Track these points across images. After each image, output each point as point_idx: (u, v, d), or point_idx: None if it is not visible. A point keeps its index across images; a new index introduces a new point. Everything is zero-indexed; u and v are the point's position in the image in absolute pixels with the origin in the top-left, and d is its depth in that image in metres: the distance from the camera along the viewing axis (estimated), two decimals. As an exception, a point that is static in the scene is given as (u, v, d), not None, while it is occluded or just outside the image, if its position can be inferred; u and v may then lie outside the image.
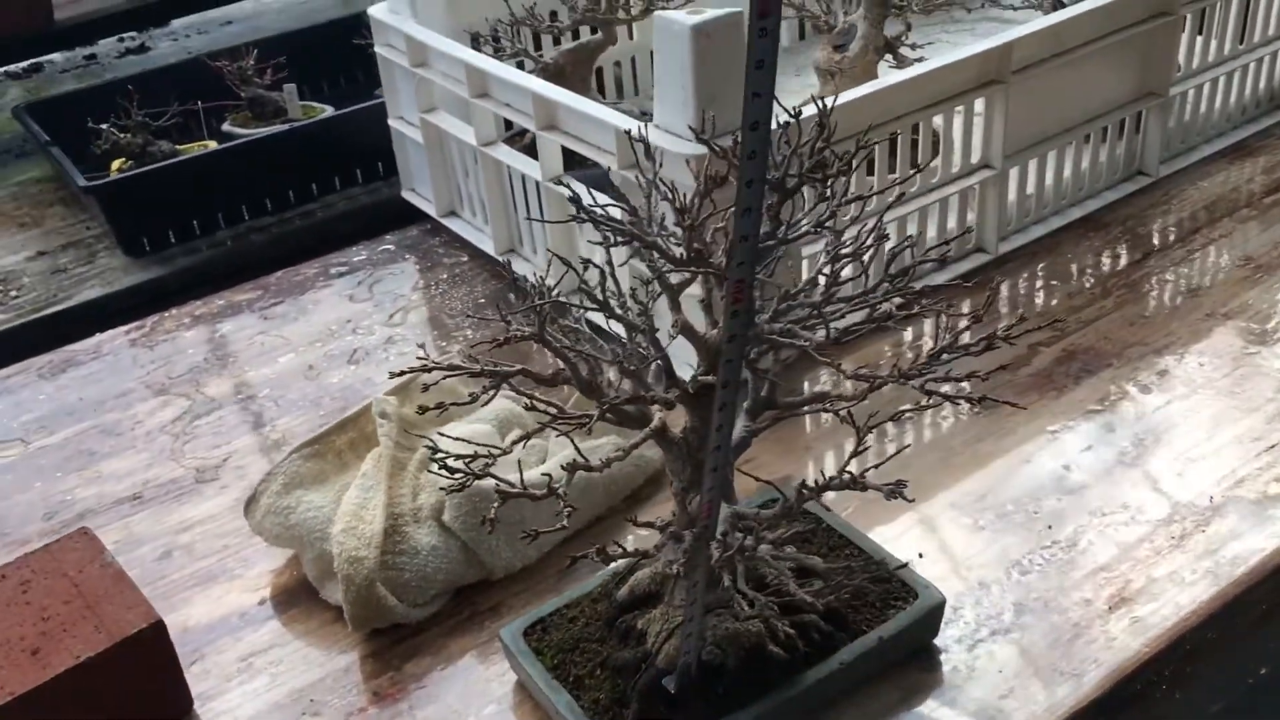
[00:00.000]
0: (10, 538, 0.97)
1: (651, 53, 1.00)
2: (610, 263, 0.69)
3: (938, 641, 0.80)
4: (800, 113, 0.66)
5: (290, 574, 0.91)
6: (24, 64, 2.02)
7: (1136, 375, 1.03)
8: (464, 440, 0.77)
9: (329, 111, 1.61)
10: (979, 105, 1.14)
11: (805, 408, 0.71)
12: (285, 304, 1.26)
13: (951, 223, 1.17)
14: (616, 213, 0.68)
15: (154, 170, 1.45)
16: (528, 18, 1.28)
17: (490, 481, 0.66)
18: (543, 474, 0.84)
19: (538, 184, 1.16)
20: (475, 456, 0.66)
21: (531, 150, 1.16)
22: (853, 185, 1.08)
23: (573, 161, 1.13)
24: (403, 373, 0.69)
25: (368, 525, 0.85)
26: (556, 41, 1.36)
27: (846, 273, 0.70)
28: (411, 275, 1.29)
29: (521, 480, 0.65)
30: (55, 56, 2.05)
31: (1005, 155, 1.17)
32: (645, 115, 1.02)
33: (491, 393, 0.67)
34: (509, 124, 1.24)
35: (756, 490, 0.82)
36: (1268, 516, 0.88)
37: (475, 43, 1.29)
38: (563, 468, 0.65)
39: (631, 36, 1.43)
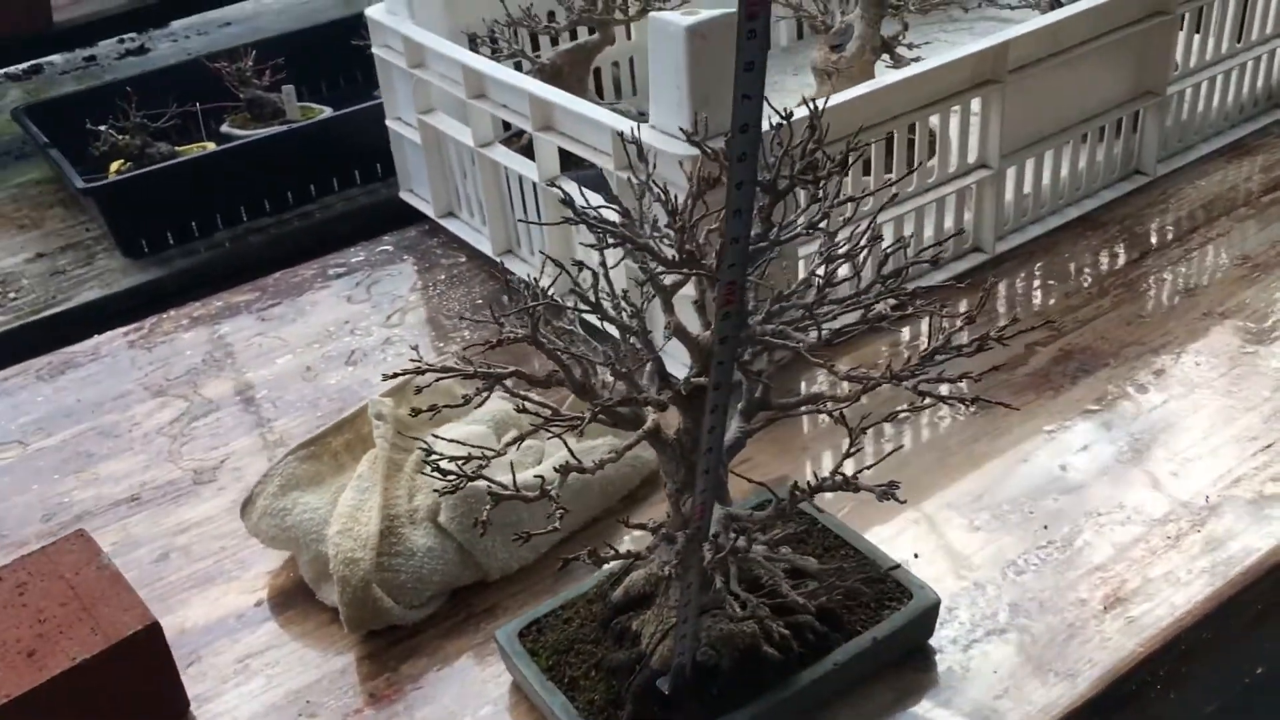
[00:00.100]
0: (8, 540, 0.98)
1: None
2: (604, 264, 0.69)
3: (933, 642, 0.80)
4: (792, 114, 0.66)
5: (287, 576, 0.91)
6: (24, 65, 2.02)
7: (1133, 375, 1.03)
8: (459, 442, 0.78)
9: (327, 113, 1.61)
10: (975, 105, 1.14)
11: (799, 409, 0.71)
12: (283, 305, 1.26)
13: (949, 223, 1.17)
14: (610, 214, 0.68)
15: (152, 172, 1.45)
16: (525, 18, 1.28)
17: (484, 483, 0.66)
18: (535, 476, 0.84)
19: (535, 185, 1.16)
20: (469, 458, 0.66)
21: (529, 151, 1.16)
22: (849, 186, 1.09)
23: (570, 162, 1.13)
24: (396, 375, 0.69)
25: (364, 527, 0.85)
26: (554, 42, 1.36)
27: (842, 273, 0.70)
28: (409, 276, 1.30)
29: (514, 482, 0.65)
30: (55, 58, 2.06)
31: (1002, 155, 1.17)
32: (643, 116, 1.02)
33: (484, 395, 0.67)
34: (507, 125, 1.24)
35: (752, 491, 0.82)
36: (1264, 516, 0.88)
37: (473, 44, 1.29)
38: (556, 469, 0.65)
39: (630, 37, 1.43)
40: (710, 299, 0.67)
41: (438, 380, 0.67)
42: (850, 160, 0.68)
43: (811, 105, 0.67)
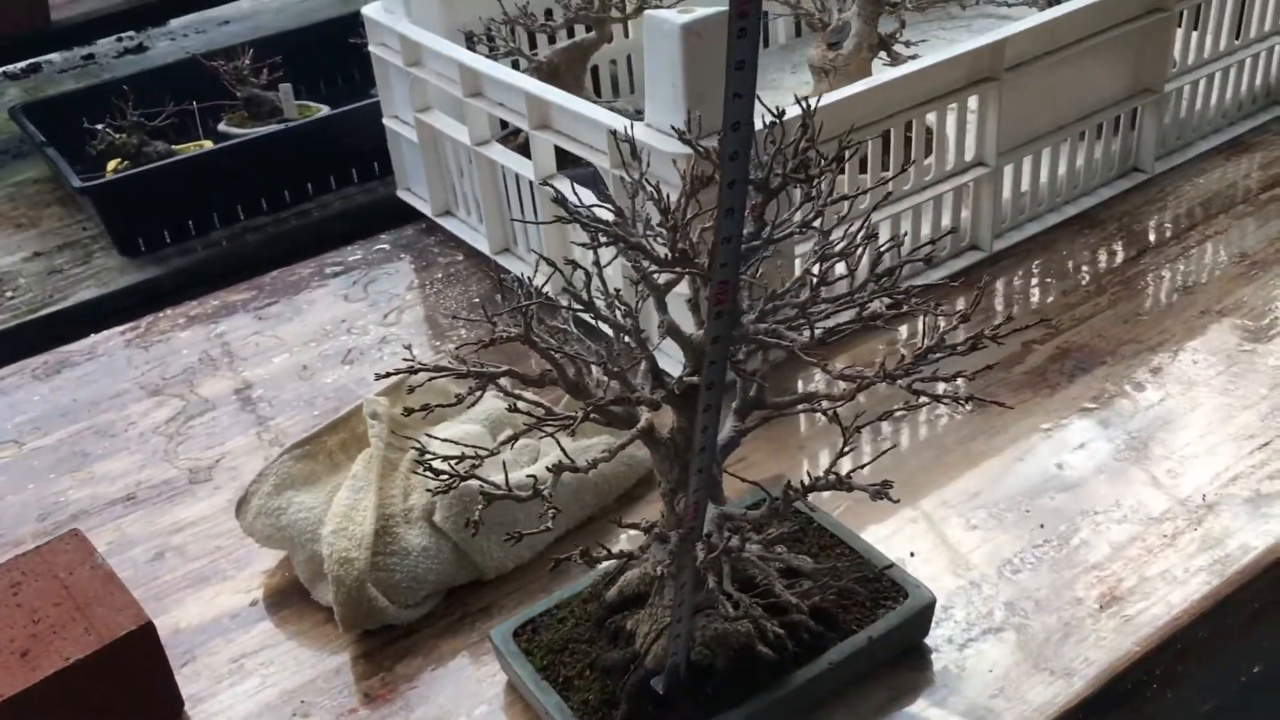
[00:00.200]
0: (3, 539, 0.98)
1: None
2: (597, 263, 0.68)
3: (928, 641, 0.80)
4: (784, 112, 0.66)
5: (282, 575, 0.91)
6: (22, 64, 2.02)
7: (1131, 373, 1.03)
8: (453, 441, 0.77)
9: (325, 111, 1.61)
10: (973, 103, 1.14)
11: (794, 408, 0.71)
12: (280, 304, 1.26)
13: (946, 221, 1.17)
14: (604, 213, 0.68)
15: (149, 170, 1.45)
16: (522, 16, 1.28)
17: (477, 483, 0.66)
18: (528, 475, 0.83)
19: (531, 183, 1.16)
20: (462, 458, 0.66)
21: (526, 150, 1.15)
22: (845, 184, 1.09)
23: (567, 161, 1.13)
24: (390, 374, 0.69)
25: (358, 526, 0.85)
26: (551, 40, 1.36)
27: (839, 271, 0.70)
28: (407, 275, 1.29)
29: (507, 481, 0.65)
30: (54, 56, 2.05)
31: (1000, 152, 1.16)
32: (640, 114, 1.02)
33: (478, 394, 0.67)
34: (504, 123, 1.24)
35: (748, 490, 0.82)
36: (1261, 514, 0.88)
37: (469, 42, 1.29)
38: (548, 469, 0.65)
39: (627, 35, 1.43)
40: (704, 298, 0.67)
41: (431, 379, 0.67)
42: (846, 158, 0.68)
43: (803, 104, 0.67)
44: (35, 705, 0.72)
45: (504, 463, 0.67)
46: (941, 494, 0.92)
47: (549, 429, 0.66)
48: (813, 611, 0.75)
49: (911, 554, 0.87)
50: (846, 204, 0.70)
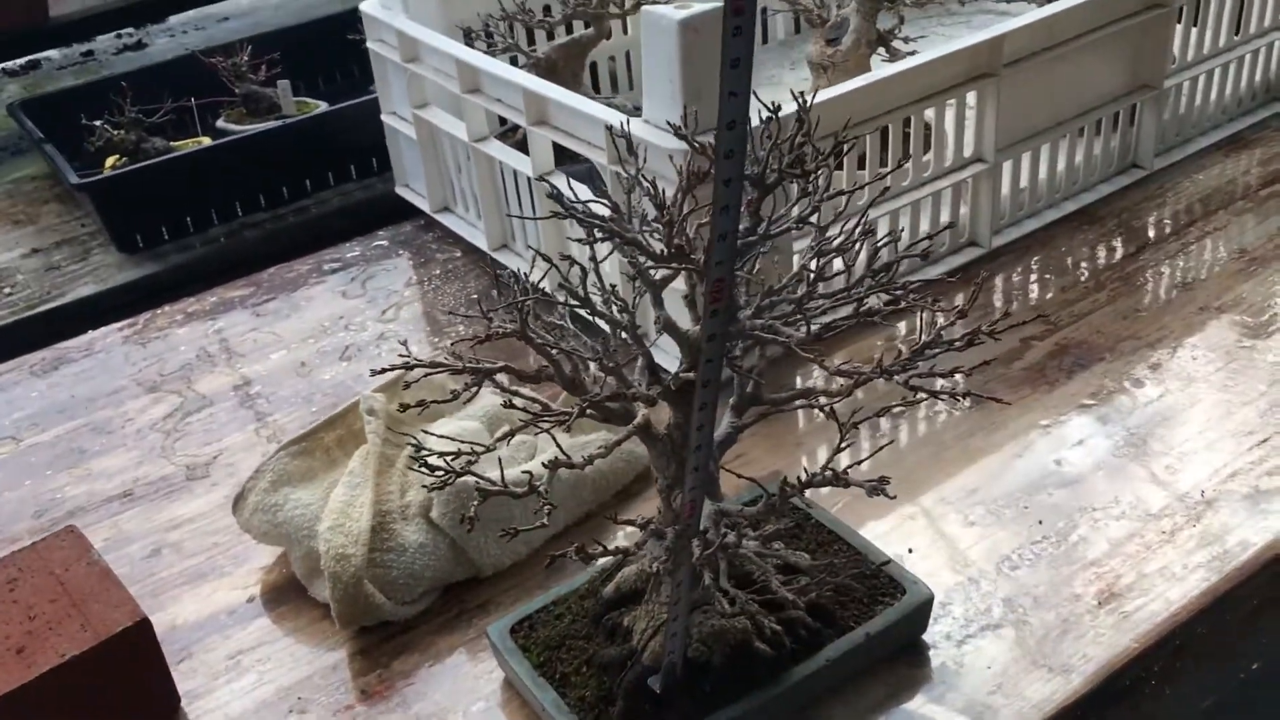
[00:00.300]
0: (0, 535, 0.97)
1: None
2: (594, 259, 0.68)
3: (926, 637, 0.80)
4: (780, 108, 0.66)
5: (279, 572, 0.91)
6: (21, 60, 2.02)
7: (1130, 369, 1.03)
8: (450, 438, 0.77)
9: (323, 108, 1.61)
10: (971, 99, 1.14)
11: (791, 404, 0.71)
12: (278, 300, 1.26)
13: (944, 217, 1.17)
14: (600, 209, 0.68)
15: (147, 167, 1.45)
16: (519, 12, 1.28)
17: (473, 479, 0.66)
18: (524, 471, 0.83)
19: (529, 179, 1.16)
20: (458, 454, 0.66)
21: (524, 146, 1.15)
22: (843, 180, 1.08)
23: (565, 157, 1.13)
24: (385, 370, 0.69)
25: (355, 522, 0.85)
26: (549, 36, 1.35)
27: (836, 267, 0.70)
28: (405, 271, 1.29)
29: (503, 478, 0.65)
30: (52, 53, 2.05)
31: (998, 149, 1.16)
32: (638, 110, 1.02)
33: (473, 390, 0.66)
34: (502, 119, 1.24)
35: (745, 486, 0.82)
36: (1260, 510, 0.88)
37: (468, 38, 1.29)
38: (545, 465, 0.65)
39: (626, 30, 1.43)
40: (700, 294, 0.67)
41: (427, 376, 0.67)
42: (843, 153, 0.67)
43: (799, 99, 0.67)
44: (31, 702, 0.72)
45: (500, 459, 0.67)
46: (940, 490, 0.92)
47: (545, 425, 0.65)
48: (810, 608, 0.75)
49: (910, 550, 0.86)
50: (844, 200, 0.70)
